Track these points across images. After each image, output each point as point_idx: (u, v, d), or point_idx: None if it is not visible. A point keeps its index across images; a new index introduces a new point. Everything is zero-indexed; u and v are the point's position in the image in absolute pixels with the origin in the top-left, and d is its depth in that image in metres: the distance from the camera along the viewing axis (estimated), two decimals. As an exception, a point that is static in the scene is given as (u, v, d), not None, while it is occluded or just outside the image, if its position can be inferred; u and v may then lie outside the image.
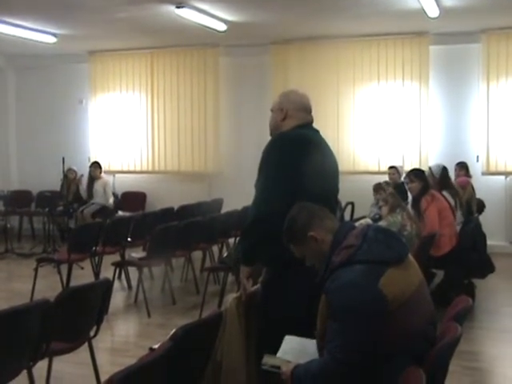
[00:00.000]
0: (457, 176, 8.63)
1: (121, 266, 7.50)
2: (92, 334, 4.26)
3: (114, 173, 11.81)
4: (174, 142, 11.49)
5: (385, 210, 6.24)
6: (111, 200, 10.91)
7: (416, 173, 6.96)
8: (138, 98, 11.70)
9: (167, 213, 8.79)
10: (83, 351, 4.27)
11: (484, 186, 9.24)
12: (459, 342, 2.52)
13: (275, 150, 3.33)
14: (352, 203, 9.42)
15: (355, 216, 9.26)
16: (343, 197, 7.55)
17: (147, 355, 2.68)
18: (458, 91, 10.09)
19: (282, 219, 2.86)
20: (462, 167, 8.84)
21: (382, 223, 6.05)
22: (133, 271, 7.49)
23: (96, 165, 11.12)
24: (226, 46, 10.92)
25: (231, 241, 8.51)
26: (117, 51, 11.56)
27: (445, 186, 7.07)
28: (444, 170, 7.32)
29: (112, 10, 8.42)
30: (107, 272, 7.13)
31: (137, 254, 7.24)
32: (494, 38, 9.79)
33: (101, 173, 11.10)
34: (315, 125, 3.55)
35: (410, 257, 2.70)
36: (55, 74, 12.05)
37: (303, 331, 2.94)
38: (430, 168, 7.53)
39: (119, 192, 11.59)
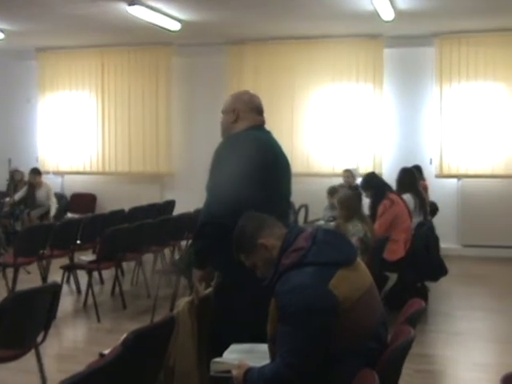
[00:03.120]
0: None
1: (69, 269, 7.34)
2: (39, 340, 4.14)
3: (62, 174, 11.70)
4: (125, 142, 11.38)
5: (341, 214, 6.05)
6: (54, 207, 10.49)
7: (363, 184, 7.01)
8: (88, 97, 11.57)
9: (118, 215, 8.69)
10: (30, 358, 4.16)
11: (437, 188, 9.35)
12: (412, 344, 2.52)
13: (226, 151, 3.33)
14: (306, 206, 9.43)
15: (309, 219, 9.26)
16: (297, 199, 7.53)
17: (97, 361, 2.63)
18: (412, 94, 10.21)
19: (234, 221, 2.83)
20: (416, 170, 8.87)
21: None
22: (82, 275, 7.36)
23: (35, 171, 10.65)
24: (179, 46, 10.86)
25: (183, 243, 8.43)
26: (66, 48, 11.41)
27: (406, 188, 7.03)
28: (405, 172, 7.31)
29: (62, 5, 8.27)
30: (55, 276, 6.99)
31: (86, 257, 7.14)
32: (447, 42, 9.94)
33: (40, 178, 10.68)
34: (269, 126, 3.54)
35: (359, 259, 2.71)
36: (1, 72, 11.78)
37: (255, 335, 2.91)
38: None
39: (68, 193, 11.46)
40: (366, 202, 7.18)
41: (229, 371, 2.66)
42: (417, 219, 6.94)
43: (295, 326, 2.46)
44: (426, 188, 8.28)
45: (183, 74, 11.10)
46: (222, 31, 9.96)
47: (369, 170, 9.16)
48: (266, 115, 3.53)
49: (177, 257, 8.02)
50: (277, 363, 2.50)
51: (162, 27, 9.11)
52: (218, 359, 2.79)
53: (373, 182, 7.01)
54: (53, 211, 10.38)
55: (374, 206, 6.78)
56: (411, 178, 7.22)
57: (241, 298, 3.17)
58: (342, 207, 6.02)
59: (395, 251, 6.33)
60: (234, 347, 2.93)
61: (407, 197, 6.88)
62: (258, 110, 3.48)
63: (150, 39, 10.57)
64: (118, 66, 11.35)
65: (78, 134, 11.57)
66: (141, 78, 11.24)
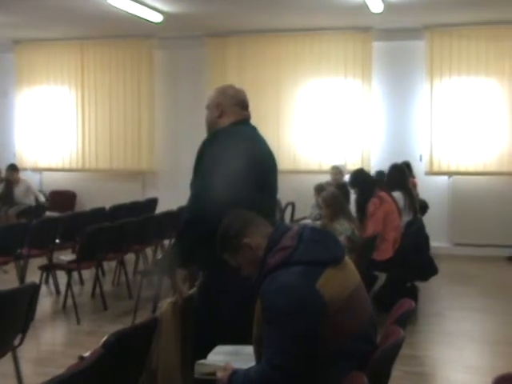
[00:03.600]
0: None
1: (48, 269, 7.28)
2: (16, 342, 4.06)
3: (41, 170, 11.58)
4: (106, 138, 11.26)
5: (326, 213, 5.99)
6: (42, 197, 10.41)
7: (351, 181, 6.95)
8: (68, 91, 11.44)
9: (98, 213, 8.60)
10: (7, 362, 4.11)
11: (427, 186, 9.34)
12: (402, 345, 2.50)
13: (210, 147, 3.27)
14: (292, 203, 9.32)
15: (296, 217, 9.17)
16: (283, 197, 7.39)
17: (76, 364, 2.59)
18: (402, 89, 10.13)
19: (218, 219, 2.79)
20: (406, 167, 8.76)
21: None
22: (61, 275, 7.25)
23: (12, 167, 10.42)
24: (161, 38, 10.77)
25: (166, 242, 8.35)
26: (44, 41, 11.26)
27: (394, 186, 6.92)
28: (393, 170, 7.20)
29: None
30: (33, 276, 6.84)
31: (66, 256, 7.03)
32: (437, 35, 9.86)
33: (18, 174, 10.42)
34: (254, 121, 3.50)
35: (347, 258, 2.66)
36: (-23, 65, 11.64)
37: (240, 336, 2.86)
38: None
39: (47, 191, 11.29)
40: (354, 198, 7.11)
41: (214, 373, 2.63)
42: (406, 218, 6.90)
43: (281, 327, 2.40)
44: (414, 185, 8.22)
45: (165, 67, 11.00)
46: (204, 23, 9.87)
47: (357, 166, 9.05)
48: (250, 110, 3.48)
49: (159, 256, 7.97)
50: (262, 365, 2.45)
51: (143, 19, 9.01)
52: (202, 361, 2.76)
53: (360, 178, 6.88)
54: (43, 202, 10.28)
55: (360, 204, 6.67)
56: (401, 175, 7.18)
57: (226, 298, 3.14)
58: (326, 206, 5.99)
59: (384, 250, 6.28)
60: (219, 349, 2.90)
61: (397, 194, 6.84)
62: (243, 105, 3.44)
63: (131, 32, 10.46)
64: (98, 59, 11.21)
65: (57, 129, 11.44)
66: (122, 71, 11.11)
